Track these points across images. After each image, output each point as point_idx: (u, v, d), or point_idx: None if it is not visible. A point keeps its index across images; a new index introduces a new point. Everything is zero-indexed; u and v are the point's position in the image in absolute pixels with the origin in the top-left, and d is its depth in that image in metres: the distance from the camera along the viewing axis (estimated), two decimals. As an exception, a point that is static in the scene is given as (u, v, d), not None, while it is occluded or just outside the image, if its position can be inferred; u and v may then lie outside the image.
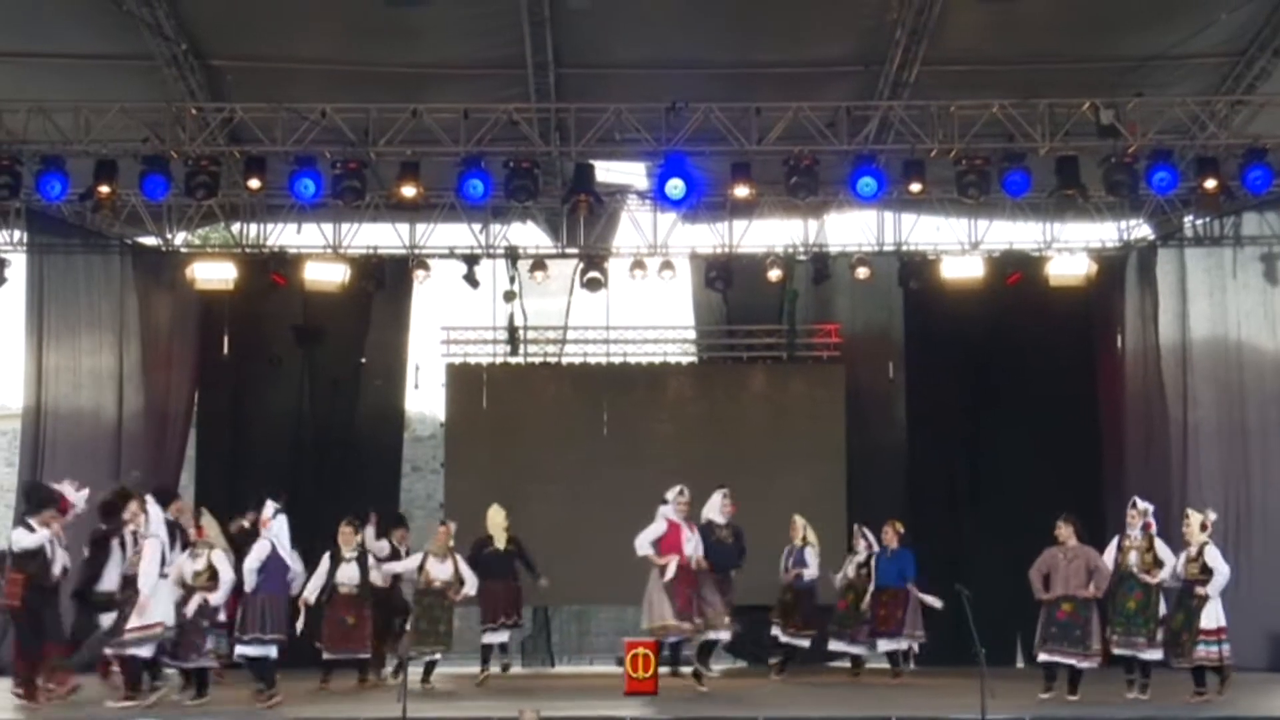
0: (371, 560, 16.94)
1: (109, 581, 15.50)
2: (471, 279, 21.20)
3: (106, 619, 15.10)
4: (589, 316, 22.65)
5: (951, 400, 22.05)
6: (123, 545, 15.34)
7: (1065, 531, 15.97)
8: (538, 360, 22.57)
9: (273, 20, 17.12)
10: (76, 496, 15.54)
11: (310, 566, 16.49)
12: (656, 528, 16.06)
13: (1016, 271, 21.13)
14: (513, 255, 21.58)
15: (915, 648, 18.55)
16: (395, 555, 17.46)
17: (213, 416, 22.05)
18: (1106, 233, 22.19)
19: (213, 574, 15.04)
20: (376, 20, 16.62)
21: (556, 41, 17.33)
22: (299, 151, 17.66)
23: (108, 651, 15.03)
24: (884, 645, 18.47)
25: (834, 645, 18.73)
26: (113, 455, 20.71)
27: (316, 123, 17.46)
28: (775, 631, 18.53)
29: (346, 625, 16.61)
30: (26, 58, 17.54)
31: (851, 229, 22.01)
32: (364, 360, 22.20)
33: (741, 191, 18.26)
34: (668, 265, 21.42)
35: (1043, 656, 15.83)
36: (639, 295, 22.46)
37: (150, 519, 14.85)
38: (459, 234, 21.48)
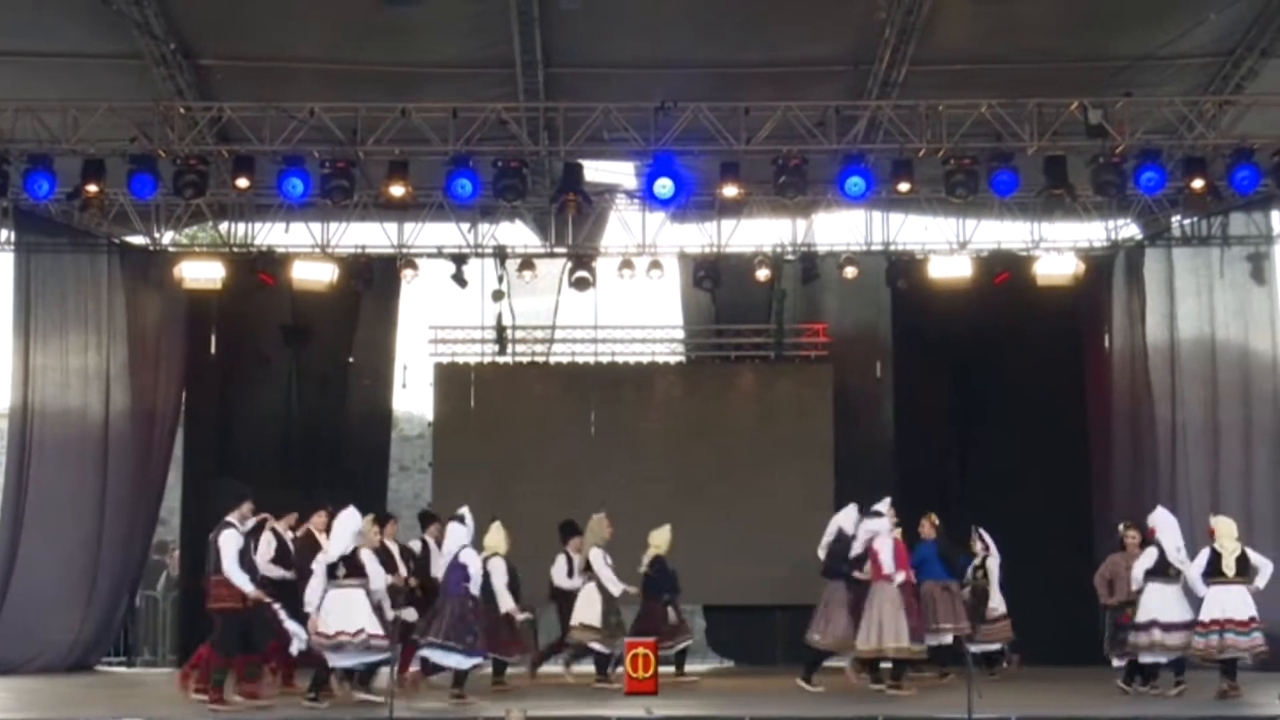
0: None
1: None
2: (460, 278, 21.19)
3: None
4: (577, 316, 22.65)
5: (939, 400, 22.08)
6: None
7: (1132, 537, 16.13)
8: (526, 360, 22.56)
9: (261, 19, 17.10)
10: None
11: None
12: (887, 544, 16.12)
13: (1004, 271, 21.17)
14: (501, 254, 21.56)
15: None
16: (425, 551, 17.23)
17: (200, 416, 22.02)
18: (1094, 232, 22.24)
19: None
20: (365, 19, 16.61)
21: (545, 41, 17.33)
22: (287, 151, 17.63)
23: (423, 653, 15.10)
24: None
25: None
26: (100, 455, 20.66)
27: (305, 122, 17.44)
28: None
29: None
30: (14, 56, 17.50)
31: (840, 228, 22.08)
32: (352, 360, 22.20)
33: (730, 191, 18.28)
34: (656, 265, 21.42)
35: (1116, 662, 16.15)
36: (627, 295, 22.49)
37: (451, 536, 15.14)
38: (447, 233, 21.48)
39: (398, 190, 18.02)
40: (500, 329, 22.00)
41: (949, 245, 21.47)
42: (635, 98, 17.65)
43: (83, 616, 20.24)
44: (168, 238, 21.72)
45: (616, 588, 17.30)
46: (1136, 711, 14.64)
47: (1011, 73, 17.80)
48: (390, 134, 17.62)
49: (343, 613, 14.28)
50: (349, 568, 14.40)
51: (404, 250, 21.44)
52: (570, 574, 17.48)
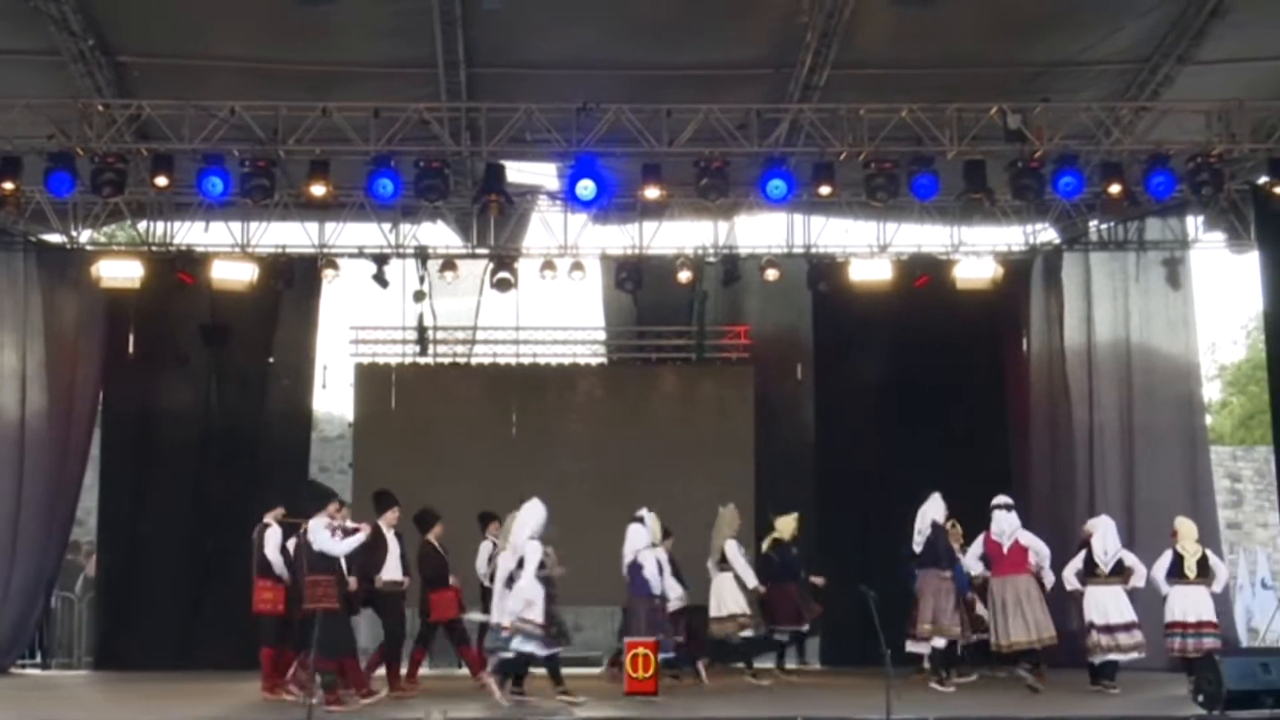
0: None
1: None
2: (381, 279, 21.12)
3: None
4: (499, 317, 22.63)
5: (859, 401, 22.16)
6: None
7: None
8: (447, 360, 22.50)
9: (181, 17, 16.94)
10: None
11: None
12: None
13: (924, 274, 21.32)
14: (422, 255, 21.51)
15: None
16: None
17: (118, 415, 21.84)
18: (1013, 236, 22.44)
19: None
20: (286, 18, 16.50)
21: (468, 41, 17.28)
22: (207, 149, 17.48)
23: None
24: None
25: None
26: (16, 454, 20.49)
27: (225, 120, 17.31)
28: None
29: None
30: (-71, 52, 17.32)
31: (761, 231, 22.21)
32: (272, 360, 22.05)
33: (652, 193, 18.29)
34: (578, 266, 21.43)
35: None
36: (549, 296, 22.52)
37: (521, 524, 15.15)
38: (368, 233, 21.40)
39: (318, 190, 17.91)
40: (421, 330, 21.95)
41: (869, 248, 21.58)
42: (557, 99, 17.63)
43: (-3, 618, 20.07)
44: (85, 236, 21.51)
45: (752, 579, 17.68)
46: (1052, 712, 14.77)
47: (931, 78, 17.91)
48: (311, 133, 17.51)
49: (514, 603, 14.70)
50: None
51: (325, 250, 21.33)
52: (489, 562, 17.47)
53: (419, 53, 17.54)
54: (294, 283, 21.32)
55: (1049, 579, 16.80)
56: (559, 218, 21.47)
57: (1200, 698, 13.78)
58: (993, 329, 22.17)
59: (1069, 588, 16.43)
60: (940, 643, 16.88)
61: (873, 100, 17.73)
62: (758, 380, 22.22)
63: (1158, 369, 21.32)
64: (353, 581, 15.28)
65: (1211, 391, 41.24)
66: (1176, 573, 16.21)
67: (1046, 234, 22.34)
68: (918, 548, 17.27)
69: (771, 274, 21.50)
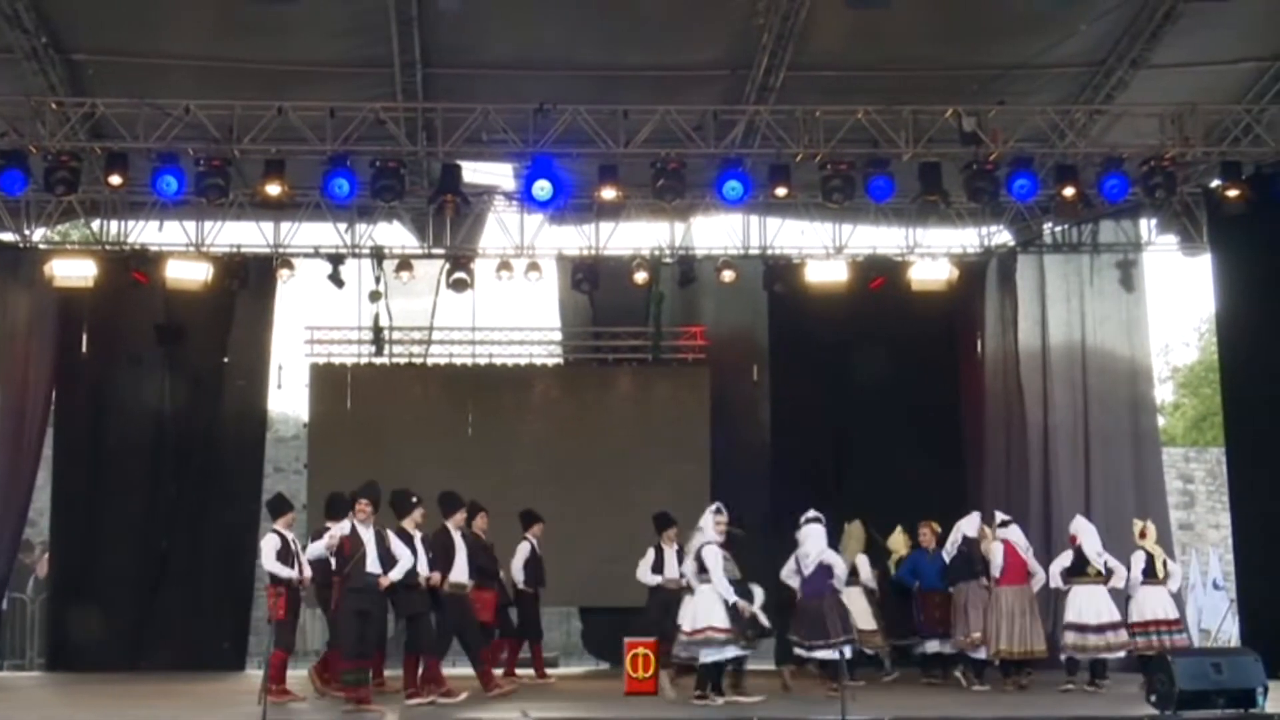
0: None
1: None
2: (336, 279, 21.07)
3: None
4: (455, 317, 22.55)
5: (815, 402, 22.19)
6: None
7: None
8: (403, 361, 22.43)
9: (135, 14, 16.85)
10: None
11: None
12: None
13: (880, 276, 21.37)
14: (378, 255, 21.46)
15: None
16: None
17: (71, 415, 21.70)
18: (968, 238, 22.54)
19: None
20: (241, 16, 16.42)
21: (424, 41, 17.24)
22: (161, 148, 17.41)
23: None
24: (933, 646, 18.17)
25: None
26: (-33, 454, 20.37)
27: (180, 119, 17.25)
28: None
29: None
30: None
31: (717, 232, 22.22)
32: (226, 360, 21.90)
33: (608, 194, 18.28)
34: (534, 266, 21.41)
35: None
36: (505, 296, 22.46)
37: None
38: (324, 233, 21.33)
39: (274, 189, 17.86)
40: (377, 330, 21.89)
41: (825, 250, 21.64)
42: (514, 99, 17.62)
43: (-52, 619, 19.95)
44: (38, 235, 21.41)
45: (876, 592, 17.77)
46: (1007, 712, 14.84)
47: (887, 80, 17.97)
48: (267, 132, 17.46)
49: (697, 610, 15.01)
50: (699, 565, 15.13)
51: (280, 250, 21.25)
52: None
53: (375, 52, 17.49)
54: (249, 282, 21.22)
55: (1038, 584, 16.94)
56: (515, 218, 21.48)
57: (1153, 698, 13.86)
58: (948, 330, 22.25)
59: (1052, 585, 16.79)
60: (983, 652, 17.02)
61: (829, 102, 17.78)
62: (713, 381, 22.23)
63: (1111, 371, 21.46)
64: (434, 577, 15.40)
65: (1164, 393, 41.50)
66: (1150, 573, 16.50)
67: (1001, 236, 22.44)
68: (947, 557, 17.45)
69: (727, 275, 21.52)
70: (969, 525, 17.40)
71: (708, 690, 14.95)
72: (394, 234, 21.87)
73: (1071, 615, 16.47)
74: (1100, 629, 16.32)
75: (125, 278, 20.48)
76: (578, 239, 21.72)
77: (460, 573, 15.83)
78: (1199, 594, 26.52)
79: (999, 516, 17.37)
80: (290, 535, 15.74)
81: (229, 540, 20.81)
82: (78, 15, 16.93)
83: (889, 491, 21.10)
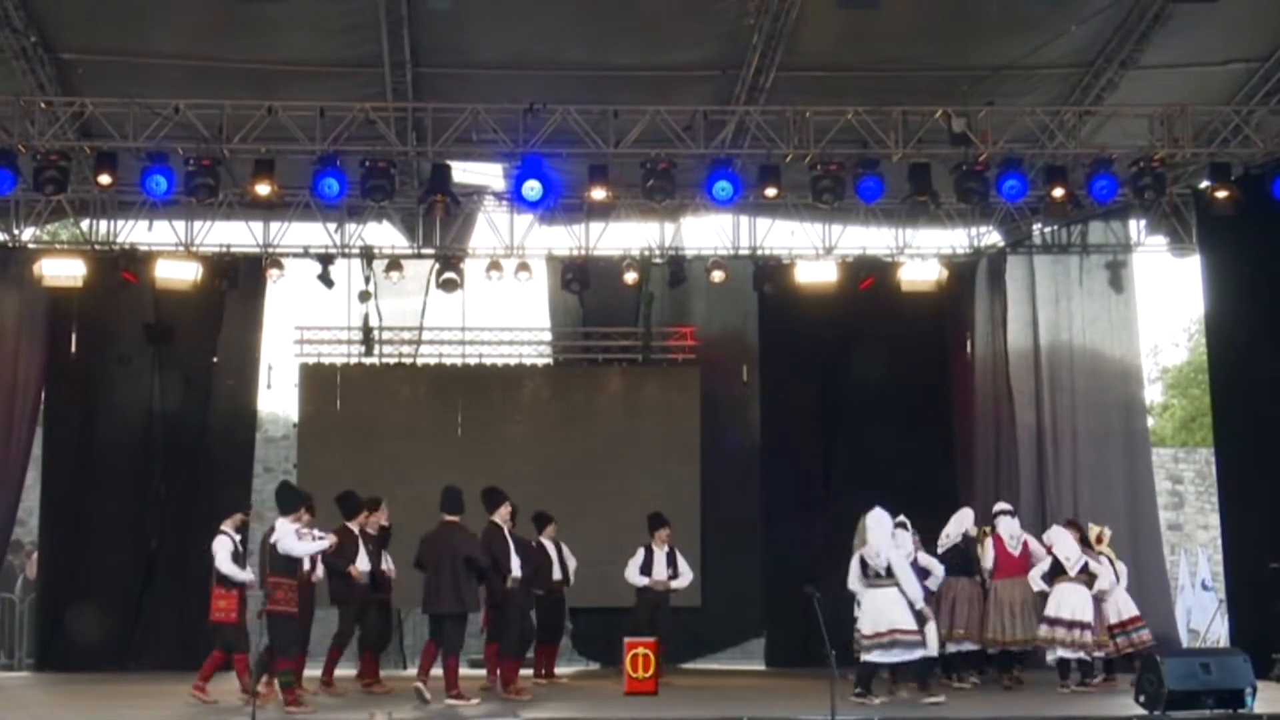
0: None
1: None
2: (326, 279, 21.04)
3: None
4: (444, 317, 22.54)
5: (805, 403, 22.22)
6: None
7: None
8: (392, 361, 22.42)
9: (125, 14, 16.85)
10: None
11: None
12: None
13: (869, 276, 21.37)
14: (368, 255, 21.45)
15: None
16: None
17: (60, 415, 21.64)
18: (957, 239, 22.57)
19: None
20: (231, 16, 16.39)
21: (414, 41, 17.24)
22: (151, 147, 17.37)
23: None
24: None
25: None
26: (-45, 454, 20.34)
27: (169, 119, 17.22)
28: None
29: None
30: None
31: (707, 232, 22.22)
32: (216, 360, 21.84)
33: (598, 194, 18.28)
34: (524, 267, 21.41)
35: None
36: (495, 296, 22.51)
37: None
38: (314, 233, 21.33)
39: (264, 189, 17.83)
40: (367, 330, 21.88)
41: (815, 250, 21.65)
42: (504, 99, 17.61)
43: (-63, 619, 19.91)
44: (28, 234, 21.33)
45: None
46: (999, 712, 14.84)
47: (877, 80, 17.99)
48: (256, 132, 17.44)
49: (877, 612, 15.11)
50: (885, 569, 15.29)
51: (269, 250, 21.24)
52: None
53: (365, 52, 17.49)
54: (238, 282, 21.20)
55: (1040, 571, 17.01)
56: (505, 218, 21.49)
57: (1141, 698, 13.89)
58: (937, 331, 22.26)
59: (1035, 589, 16.84)
60: (970, 646, 17.13)
61: (819, 102, 17.78)
62: (703, 381, 22.24)
63: (1100, 371, 21.49)
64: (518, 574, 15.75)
65: (1153, 394, 41.50)
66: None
67: (991, 237, 22.46)
68: (941, 551, 17.40)
69: (717, 275, 21.53)
70: (966, 520, 17.43)
71: (869, 689, 15.21)
72: (384, 234, 21.87)
73: (1050, 609, 16.60)
74: (1071, 625, 16.40)
75: (115, 277, 20.45)
76: (568, 239, 21.72)
77: (515, 568, 15.93)
78: (1188, 594, 26.52)
79: (997, 506, 17.52)
80: (234, 537, 15.61)
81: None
82: (67, 14, 16.91)
83: (878, 492, 21.07)
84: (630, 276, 21.55)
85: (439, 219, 20.69)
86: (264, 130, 17.46)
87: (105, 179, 17.58)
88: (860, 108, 17.68)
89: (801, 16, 16.64)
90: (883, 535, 15.43)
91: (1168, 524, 27.63)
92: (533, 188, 17.67)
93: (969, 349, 22.13)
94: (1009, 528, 17.19)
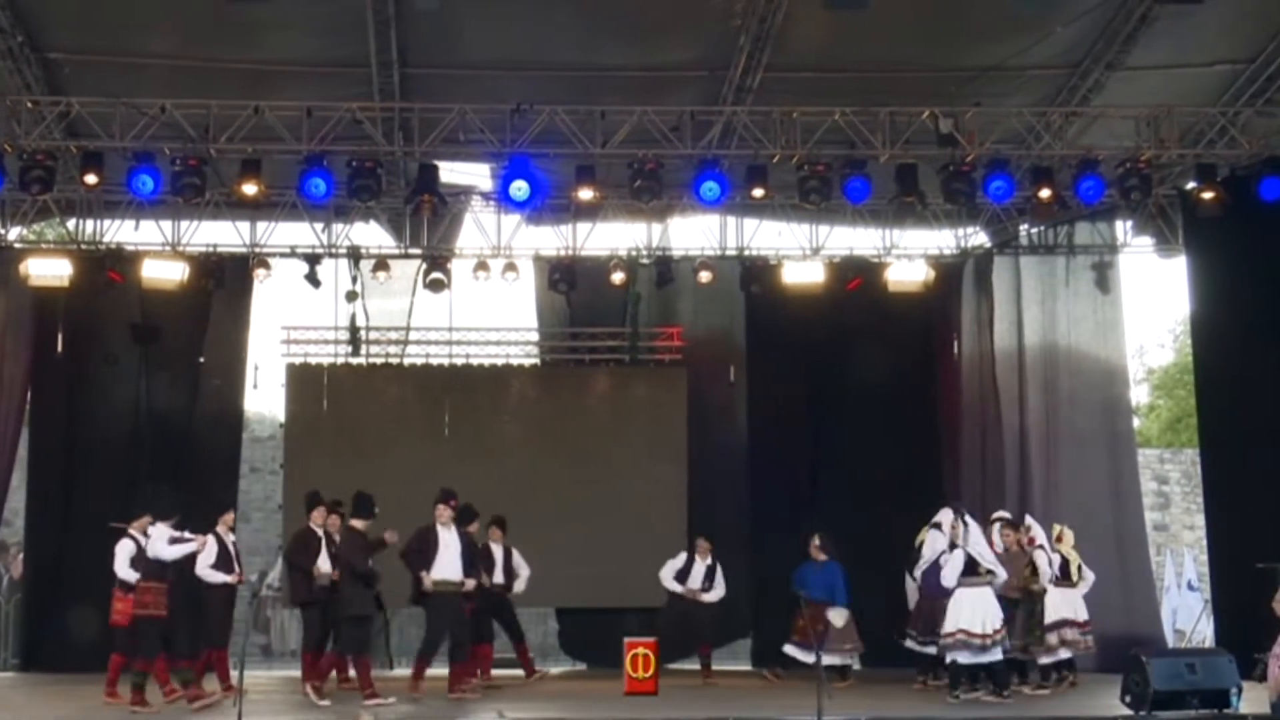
0: None
1: None
2: (313, 278, 21.02)
3: None
4: (431, 317, 22.52)
5: (792, 403, 22.25)
6: None
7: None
8: (379, 361, 22.40)
9: (112, 13, 16.82)
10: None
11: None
12: None
13: (857, 277, 21.40)
14: (355, 255, 21.43)
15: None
16: None
17: (46, 415, 21.62)
18: (944, 240, 22.59)
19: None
20: (218, 15, 16.34)
21: (401, 41, 17.22)
22: (137, 147, 17.32)
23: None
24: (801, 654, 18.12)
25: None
26: (-60, 454, 20.29)
27: (156, 118, 17.19)
28: None
29: None
30: None
31: (694, 233, 22.22)
32: (202, 359, 21.84)
33: (585, 194, 18.27)
34: (511, 267, 21.40)
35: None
36: (482, 297, 22.48)
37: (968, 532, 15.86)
38: (300, 233, 21.30)
39: (250, 189, 17.79)
40: (354, 330, 21.85)
41: (802, 251, 21.66)
42: (491, 99, 17.60)
43: (-78, 620, 19.86)
44: (13, 234, 21.29)
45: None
46: (983, 713, 14.88)
47: (864, 81, 17.98)
48: (243, 132, 17.41)
49: (961, 611, 15.42)
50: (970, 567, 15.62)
51: (256, 249, 21.22)
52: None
53: (352, 52, 17.47)
54: (225, 282, 21.19)
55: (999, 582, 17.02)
56: (492, 218, 21.47)
57: (1127, 698, 13.92)
58: (924, 332, 22.29)
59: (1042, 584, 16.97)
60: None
61: (806, 103, 17.79)
62: (691, 382, 22.25)
63: (1086, 372, 21.52)
64: (469, 583, 16.12)
65: (1139, 395, 41.58)
66: (1065, 576, 16.96)
67: (977, 238, 22.49)
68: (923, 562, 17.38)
69: (705, 276, 21.53)
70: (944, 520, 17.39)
71: (979, 685, 15.53)
72: (371, 234, 21.85)
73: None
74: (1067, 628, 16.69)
75: (101, 277, 20.42)
76: (555, 239, 21.73)
77: (445, 569, 16.10)
78: (1174, 595, 26.57)
79: (995, 515, 17.69)
80: (140, 540, 15.57)
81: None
82: (54, 14, 16.86)
83: (865, 492, 21.17)
84: (617, 277, 21.55)
85: (426, 219, 20.69)
86: (251, 130, 17.43)
87: (91, 179, 17.53)
88: (847, 108, 17.68)
89: (789, 17, 16.64)
90: (976, 533, 15.75)
91: (1154, 524, 27.71)
92: (520, 188, 17.65)
93: (956, 349, 22.15)
94: (974, 535, 17.04)
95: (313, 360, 22.05)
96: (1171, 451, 33.33)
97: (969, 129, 17.80)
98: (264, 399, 24.63)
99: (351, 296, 21.53)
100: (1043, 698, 16.13)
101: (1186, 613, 25.92)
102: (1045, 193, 18.26)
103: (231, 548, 16.11)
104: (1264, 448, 18.71)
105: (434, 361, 22.54)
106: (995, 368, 21.66)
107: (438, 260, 21.31)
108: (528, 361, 23.10)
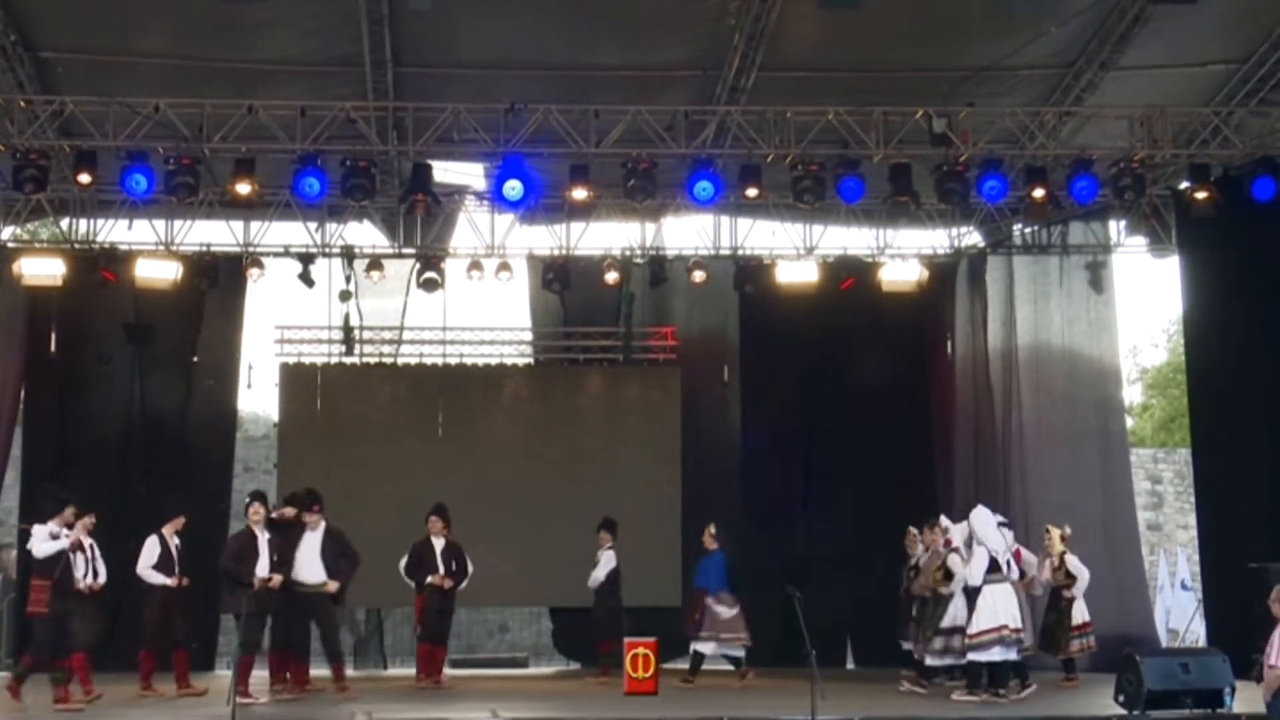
0: None
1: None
2: (306, 278, 21.01)
3: None
4: (425, 317, 22.57)
5: (786, 403, 22.27)
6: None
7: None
8: (373, 360, 22.38)
9: (105, 12, 16.82)
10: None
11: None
12: None
13: (850, 276, 21.41)
14: (349, 254, 21.42)
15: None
16: None
17: (40, 415, 21.62)
18: (938, 239, 22.61)
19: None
20: (212, 15, 16.35)
21: (395, 40, 17.21)
22: (131, 146, 17.31)
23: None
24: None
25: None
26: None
27: (149, 117, 17.17)
28: None
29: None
30: None
31: (688, 232, 22.23)
32: (196, 359, 21.83)
33: (579, 194, 18.25)
34: (505, 266, 21.39)
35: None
36: (476, 296, 22.48)
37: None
38: (294, 232, 21.30)
39: (244, 188, 17.77)
40: (347, 329, 21.85)
41: (796, 250, 21.67)
42: (485, 99, 17.60)
43: (-85, 619, 19.84)
44: (7, 233, 21.31)
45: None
46: (976, 712, 14.88)
47: (858, 81, 17.99)
48: (237, 131, 17.39)
49: (990, 609, 15.41)
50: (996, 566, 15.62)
51: (250, 249, 21.20)
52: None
53: (346, 51, 17.46)
54: (219, 281, 21.15)
55: (1039, 590, 17.13)
56: (486, 218, 21.47)
57: (1121, 698, 13.93)
58: (918, 331, 22.31)
59: (1036, 593, 17.27)
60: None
61: (799, 103, 17.79)
62: (684, 381, 22.25)
63: (1080, 371, 21.55)
64: (332, 585, 16.15)
65: (1132, 394, 41.66)
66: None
67: (971, 237, 22.52)
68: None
69: (698, 275, 21.54)
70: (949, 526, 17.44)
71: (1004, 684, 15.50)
72: (364, 233, 21.85)
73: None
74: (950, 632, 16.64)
75: (94, 276, 20.39)
76: (548, 239, 21.71)
77: (307, 571, 16.27)
78: (1167, 594, 26.63)
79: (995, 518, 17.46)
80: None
81: (197, 540, 20.70)
82: (47, 13, 16.86)
83: (858, 491, 21.20)
84: (611, 276, 21.54)
85: (420, 218, 20.69)
86: (244, 129, 17.41)
87: (85, 178, 17.51)
88: (841, 108, 17.68)
89: (782, 17, 16.65)
90: (993, 532, 15.71)
91: (1147, 524, 27.77)
92: (514, 187, 17.65)
93: (949, 349, 22.17)
94: (1004, 539, 17.10)
95: (306, 360, 22.04)
96: (1164, 451, 33.39)
97: (963, 129, 17.79)
98: (257, 398, 24.66)
99: (345, 296, 21.53)
100: (1029, 698, 16.13)
101: (1180, 612, 25.96)
102: (1039, 192, 18.26)
103: (174, 551, 16.19)
104: (1256, 447, 18.75)
105: (428, 361, 22.54)
106: (989, 367, 21.70)
107: (431, 260, 21.31)
108: (521, 361, 23.08)
